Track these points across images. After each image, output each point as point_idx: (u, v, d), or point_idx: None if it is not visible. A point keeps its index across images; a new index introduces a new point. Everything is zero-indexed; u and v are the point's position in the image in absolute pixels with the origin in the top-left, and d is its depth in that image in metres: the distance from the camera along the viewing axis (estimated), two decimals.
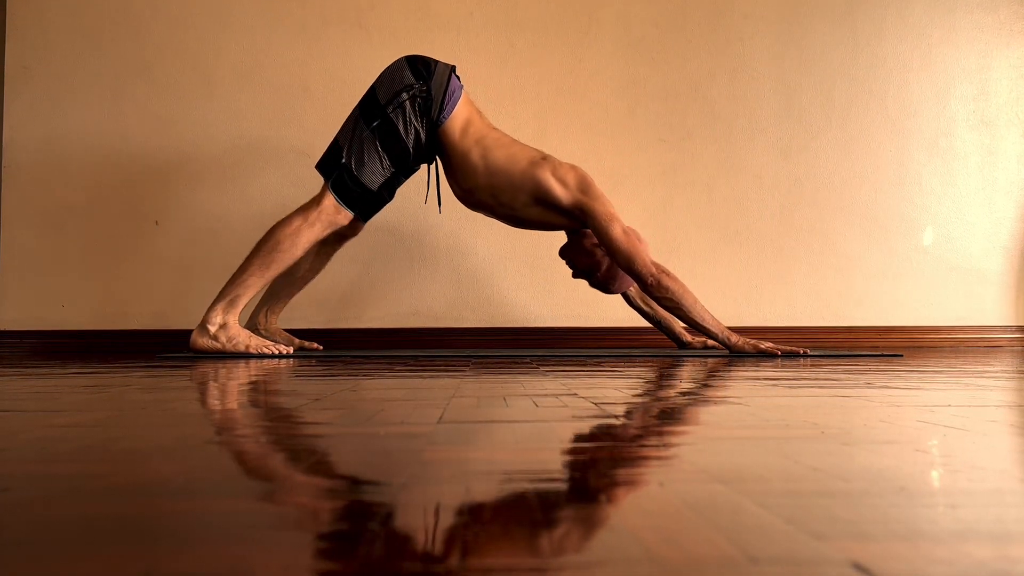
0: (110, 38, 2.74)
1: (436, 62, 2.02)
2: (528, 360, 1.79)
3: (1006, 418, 0.73)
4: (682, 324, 2.30)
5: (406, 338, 2.69)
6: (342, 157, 2.00)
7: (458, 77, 2.04)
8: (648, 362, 1.70)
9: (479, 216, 2.47)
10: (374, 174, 1.99)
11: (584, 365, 1.59)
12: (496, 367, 1.54)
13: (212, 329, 1.98)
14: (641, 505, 0.40)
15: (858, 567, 0.29)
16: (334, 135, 2.93)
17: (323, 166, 2.05)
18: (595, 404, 0.84)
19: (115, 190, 2.73)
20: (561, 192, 1.99)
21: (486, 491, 0.42)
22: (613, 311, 2.74)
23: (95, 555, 0.31)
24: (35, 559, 0.31)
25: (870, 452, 0.54)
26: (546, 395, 0.94)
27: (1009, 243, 2.86)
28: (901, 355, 2.01)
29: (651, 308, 2.33)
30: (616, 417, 0.73)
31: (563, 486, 0.44)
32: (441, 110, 1.98)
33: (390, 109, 1.97)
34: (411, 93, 1.97)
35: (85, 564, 0.30)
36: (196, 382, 1.19)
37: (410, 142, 1.99)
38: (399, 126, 1.97)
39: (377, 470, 0.49)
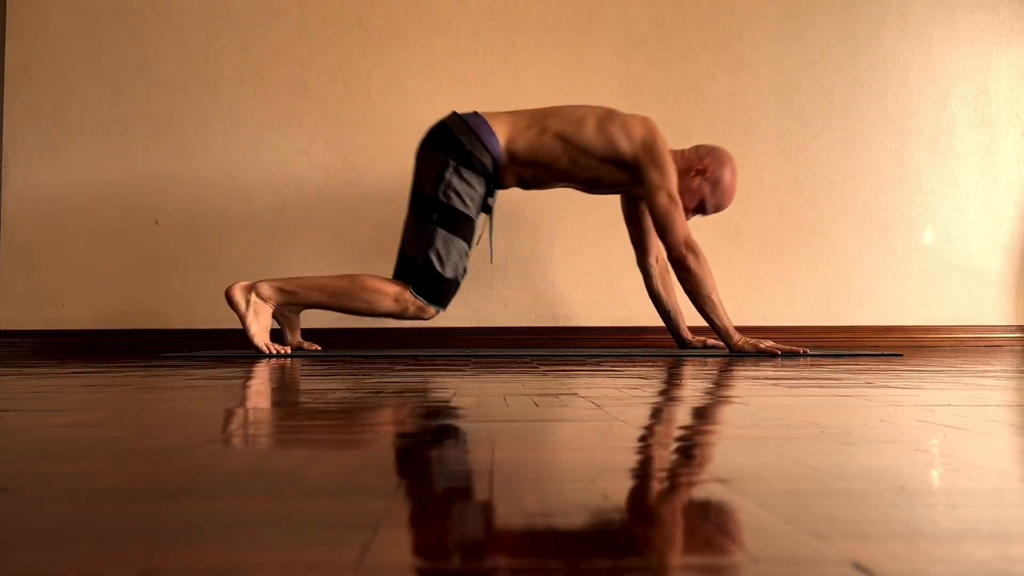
0: (110, 38, 2.74)
1: (441, 124, 2.03)
2: (528, 360, 1.79)
3: (1006, 418, 0.73)
4: (686, 323, 2.32)
5: (406, 338, 2.69)
6: (415, 261, 1.99)
7: (461, 114, 2.05)
8: (648, 362, 1.70)
9: None
10: (457, 263, 2.00)
11: (584, 365, 1.59)
12: (496, 367, 1.54)
13: (253, 296, 1.99)
14: (640, 504, 0.40)
15: (858, 567, 0.29)
16: (334, 135, 2.92)
17: (401, 275, 2.03)
18: (595, 404, 0.84)
19: (115, 190, 2.73)
20: (626, 145, 1.99)
21: (486, 491, 0.42)
22: (613, 311, 2.74)
23: (95, 555, 0.31)
24: (35, 559, 0.31)
25: (870, 452, 0.54)
26: (546, 395, 0.94)
27: (1009, 243, 2.86)
28: (901, 355, 2.01)
29: (666, 294, 2.32)
30: (616, 416, 0.73)
31: (562, 485, 0.44)
32: (489, 148, 1.99)
33: (441, 195, 1.97)
34: (452, 167, 1.97)
35: (85, 564, 0.30)
36: (196, 382, 1.19)
37: (474, 210, 2.01)
38: (457, 205, 1.98)
39: (377, 470, 0.49)
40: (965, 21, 2.87)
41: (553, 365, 1.59)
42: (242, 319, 1.99)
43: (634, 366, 1.55)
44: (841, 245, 2.81)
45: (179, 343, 2.66)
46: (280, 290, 2.01)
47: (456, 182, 1.98)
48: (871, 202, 2.83)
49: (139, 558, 0.31)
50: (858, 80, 2.84)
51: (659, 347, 2.46)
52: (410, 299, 1.99)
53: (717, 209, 2.15)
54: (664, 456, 0.53)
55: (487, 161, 2.00)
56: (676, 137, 2.80)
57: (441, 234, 1.98)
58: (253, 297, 1.99)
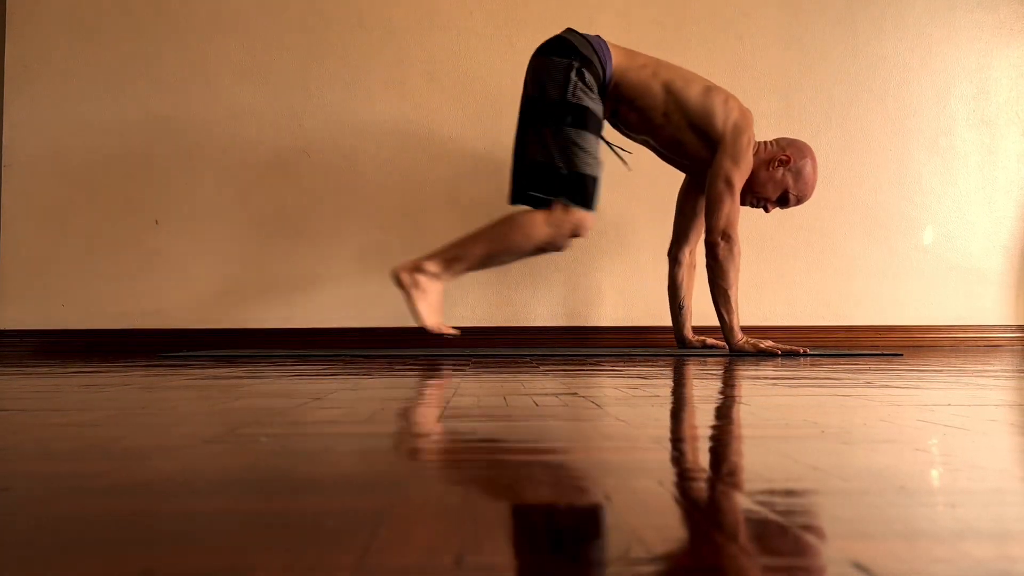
0: (110, 37, 2.74)
1: (558, 36, 1.98)
2: (528, 360, 1.79)
3: (1006, 418, 0.73)
4: (692, 324, 2.35)
5: (406, 338, 2.69)
6: (560, 169, 1.90)
7: (579, 34, 2.00)
8: (648, 362, 1.70)
9: (479, 215, 2.46)
10: (594, 160, 1.92)
11: (584, 365, 1.59)
12: (496, 367, 1.54)
13: (420, 276, 1.90)
14: (640, 504, 0.39)
15: (858, 566, 0.29)
16: (334, 135, 2.91)
17: (533, 188, 1.93)
18: (595, 404, 0.84)
19: (115, 189, 2.73)
20: (720, 119, 1.98)
21: (485, 491, 0.42)
22: (613, 310, 2.74)
23: (95, 555, 0.31)
24: (35, 559, 0.31)
25: (870, 451, 0.54)
26: (546, 394, 0.94)
27: (1009, 242, 2.86)
28: (901, 355, 2.01)
29: (685, 288, 2.33)
30: (616, 416, 0.73)
31: (562, 485, 0.44)
32: (603, 63, 1.95)
33: (571, 96, 1.90)
34: (576, 69, 1.91)
35: (85, 564, 0.30)
36: (196, 382, 1.19)
37: (599, 108, 1.95)
38: (587, 103, 1.91)
39: (376, 470, 0.49)
40: (965, 21, 2.87)
41: (553, 365, 1.59)
42: (408, 301, 1.92)
43: (634, 366, 1.55)
44: (841, 245, 2.81)
45: (179, 343, 2.66)
46: (446, 261, 1.92)
47: (580, 83, 1.91)
48: (871, 202, 2.83)
49: (138, 558, 0.31)
50: (858, 80, 2.84)
51: (659, 347, 2.46)
52: (563, 216, 1.89)
53: (799, 200, 2.15)
54: (664, 456, 0.53)
55: (599, 73, 1.95)
56: None
57: (579, 135, 1.90)
58: (420, 277, 1.91)
